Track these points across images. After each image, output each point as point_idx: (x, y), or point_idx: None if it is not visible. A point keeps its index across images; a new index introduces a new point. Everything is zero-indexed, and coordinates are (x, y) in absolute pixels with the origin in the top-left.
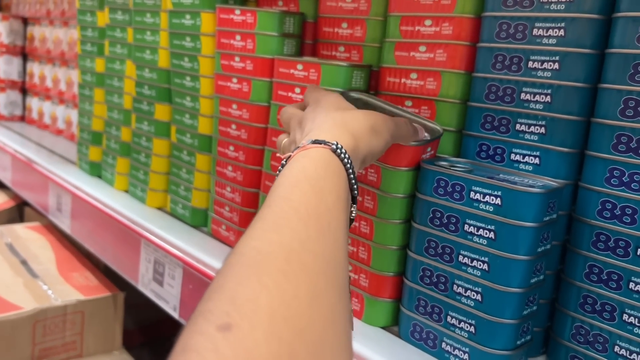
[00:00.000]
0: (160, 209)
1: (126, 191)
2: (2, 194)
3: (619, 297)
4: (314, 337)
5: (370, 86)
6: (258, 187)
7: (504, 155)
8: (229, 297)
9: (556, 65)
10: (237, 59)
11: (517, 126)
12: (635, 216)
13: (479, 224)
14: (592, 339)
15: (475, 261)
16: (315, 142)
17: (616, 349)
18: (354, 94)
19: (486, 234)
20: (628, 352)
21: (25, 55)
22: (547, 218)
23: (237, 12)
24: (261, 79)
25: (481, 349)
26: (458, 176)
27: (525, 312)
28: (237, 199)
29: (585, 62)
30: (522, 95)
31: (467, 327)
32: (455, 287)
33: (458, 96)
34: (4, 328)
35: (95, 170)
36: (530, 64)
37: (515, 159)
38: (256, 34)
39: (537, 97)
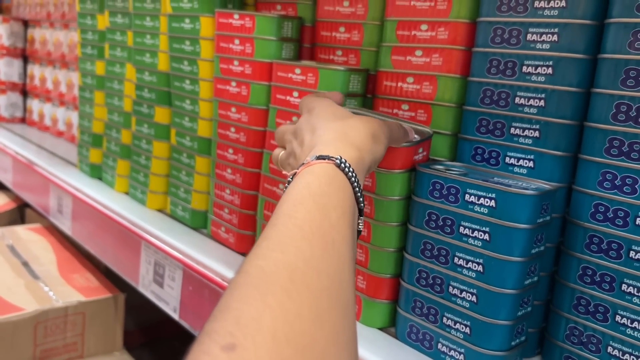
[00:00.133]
0: (160, 211)
1: (126, 193)
2: (3, 195)
3: (611, 298)
4: (316, 355)
5: (367, 90)
6: (257, 190)
7: (499, 158)
8: (233, 317)
9: (550, 70)
10: (236, 62)
11: (512, 130)
12: (627, 219)
13: (473, 226)
14: (585, 340)
15: (470, 263)
16: (319, 157)
17: (609, 349)
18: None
19: (481, 235)
20: (621, 352)
21: (25, 57)
22: (541, 220)
23: (236, 16)
24: (260, 82)
25: (476, 349)
26: (453, 179)
27: (519, 313)
28: (236, 201)
29: (578, 67)
30: (517, 100)
31: (462, 328)
32: (450, 288)
33: (454, 100)
34: (5, 329)
35: (96, 172)
36: (524, 68)
37: (510, 162)
38: (255, 38)
39: (531, 102)
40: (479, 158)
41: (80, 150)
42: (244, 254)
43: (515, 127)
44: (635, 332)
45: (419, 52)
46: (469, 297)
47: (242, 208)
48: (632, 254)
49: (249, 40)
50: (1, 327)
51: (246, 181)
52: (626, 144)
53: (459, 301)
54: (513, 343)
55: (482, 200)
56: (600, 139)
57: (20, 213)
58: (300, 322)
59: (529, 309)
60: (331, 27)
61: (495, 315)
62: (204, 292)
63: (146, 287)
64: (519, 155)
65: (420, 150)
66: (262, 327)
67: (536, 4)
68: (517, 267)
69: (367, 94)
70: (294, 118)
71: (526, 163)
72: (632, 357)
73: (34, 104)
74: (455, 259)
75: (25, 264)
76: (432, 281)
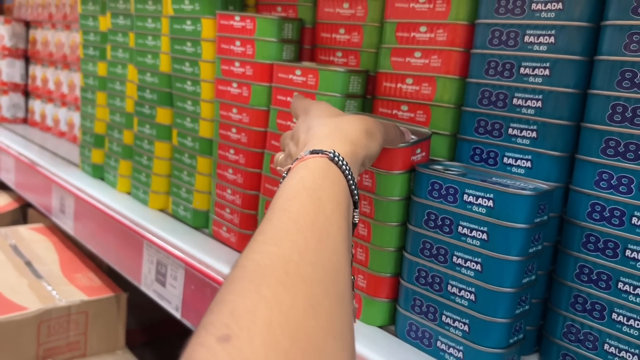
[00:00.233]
0: (162, 210)
1: (128, 193)
2: (5, 195)
3: (608, 296)
4: (311, 345)
5: (367, 91)
6: (258, 190)
7: (497, 158)
8: (228, 309)
9: (547, 72)
10: (237, 64)
11: (510, 130)
12: (623, 218)
13: (472, 226)
14: (582, 338)
15: (468, 262)
16: (313, 152)
17: (606, 346)
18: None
19: (479, 235)
20: (617, 349)
21: (27, 58)
22: (538, 220)
23: (237, 18)
24: (261, 83)
25: (475, 347)
26: (452, 179)
27: (517, 312)
28: (238, 201)
29: (575, 69)
30: (514, 101)
31: (461, 326)
32: (449, 287)
33: (452, 101)
34: (9, 328)
35: (98, 172)
36: (521, 70)
37: (508, 162)
38: (256, 39)
39: (529, 102)
40: (477, 158)
41: (82, 150)
42: None
43: (513, 128)
44: (632, 330)
45: (418, 54)
46: (467, 295)
47: (243, 208)
48: (628, 252)
49: (249, 42)
50: (5, 326)
51: (247, 181)
52: (622, 144)
53: (458, 299)
54: (511, 341)
55: (480, 200)
56: (596, 139)
57: (23, 213)
58: (295, 312)
59: (527, 307)
60: (331, 29)
61: (494, 313)
62: (205, 291)
63: (148, 286)
64: (516, 155)
65: (418, 151)
66: (257, 318)
67: (533, 6)
68: (515, 266)
69: (366, 95)
70: (295, 119)
71: (524, 163)
72: (628, 354)
73: (36, 105)
74: (454, 258)
75: (28, 264)
76: (431, 280)
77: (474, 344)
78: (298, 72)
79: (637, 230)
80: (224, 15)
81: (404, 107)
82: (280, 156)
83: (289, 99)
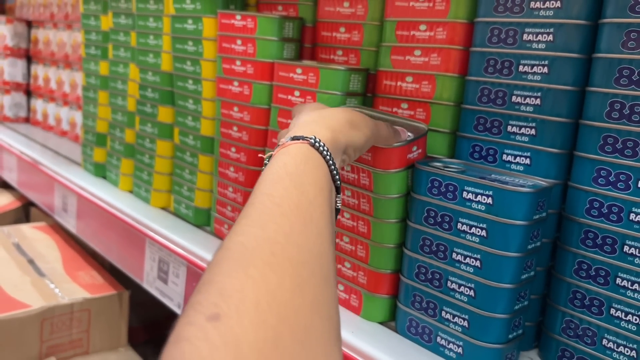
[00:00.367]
0: (164, 209)
1: (130, 192)
2: (8, 194)
3: (606, 292)
4: (299, 323)
5: (367, 89)
6: None
7: (496, 156)
8: (217, 289)
9: (545, 69)
10: (238, 62)
11: (509, 128)
12: (621, 214)
13: (471, 223)
14: (581, 333)
15: (468, 258)
16: (294, 138)
17: (604, 342)
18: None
19: (478, 232)
20: (615, 344)
21: (29, 57)
22: (537, 216)
23: (238, 17)
24: (262, 82)
25: (474, 342)
26: (451, 177)
27: (516, 307)
28: (239, 199)
29: (573, 66)
30: (513, 98)
31: (460, 322)
32: (449, 283)
33: (452, 99)
34: (12, 326)
35: (100, 171)
36: (520, 67)
37: (507, 159)
38: (256, 38)
39: (528, 100)
40: (476, 155)
41: (84, 149)
42: None
43: (512, 125)
44: (630, 325)
45: (417, 52)
46: (467, 291)
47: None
48: (626, 248)
49: (250, 41)
50: (8, 324)
51: (248, 179)
52: (620, 141)
53: (457, 295)
54: (510, 336)
55: (479, 197)
56: (594, 136)
57: (25, 212)
58: (282, 292)
59: (526, 303)
60: (332, 28)
61: (493, 309)
62: None
63: (150, 284)
64: (515, 152)
65: (415, 148)
66: (246, 297)
67: (532, 4)
68: (514, 262)
69: (367, 93)
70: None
71: (523, 160)
72: (626, 349)
73: (38, 104)
74: (454, 255)
75: (31, 262)
76: (431, 276)
77: (473, 339)
78: (299, 70)
79: (635, 226)
80: (225, 14)
81: (404, 105)
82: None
83: (289, 97)
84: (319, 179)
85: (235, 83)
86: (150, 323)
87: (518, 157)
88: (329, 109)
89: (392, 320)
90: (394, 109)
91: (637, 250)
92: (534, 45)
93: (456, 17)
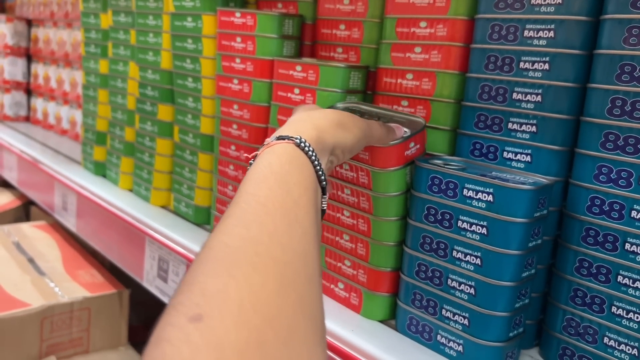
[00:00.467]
0: (163, 207)
1: (130, 190)
2: (8, 193)
3: (607, 290)
4: (282, 324)
5: (367, 87)
6: None
7: (497, 153)
8: (199, 289)
9: (546, 66)
10: (237, 60)
11: (510, 125)
12: (622, 211)
13: (471, 220)
14: (582, 331)
15: (468, 256)
16: (280, 137)
17: (605, 340)
18: (341, 105)
19: (479, 229)
20: (617, 343)
21: (29, 56)
22: (538, 214)
23: (238, 14)
24: (261, 80)
25: (475, 340)
26: (451, 174)
27: (517, 305)
28: None
29: (574, 63)
30: (514, 95)
31: (461, 320)
32: (449, 281)
33: (452, 96)
34: (12, 325)
35: (100, 169)
36: (521, 64)
37: (508, 156)
38: (256, 36)
39: (529, 97)
40: (477, 153)
41: (84, 148)
42: None
43: (513, 122)
44: (631, 323)
45: (418, 49)
46: (467, 289)
47: None
48: (627, 246)
49: (250, 38)
50: (8, 323)
51: None
52: (621, 138)
53: (458, 293)
54: (511, 334)
55: (480, 195)
56: (596, 133)
57: (26, 210)
58: (266, 292)
59: (527, 301)
60: (332, 25)
61: (493, 307)
62: None
63: (150, 283)
64: (516, 149)
65: (412, 144)
66: (228, 298)
67: (533, 0)
68: (514, 260)
69: (367, 91)
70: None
71: (523, 157)
72: (627, 347)
73: (38, 103)
74: (454, 252)
75: (31, 261)
76: (431, 274)
77: (474, 337)
78: (298, 68)
79: (636, 223)
80: (224, 12)
81: (405, 103)
82: None
83: (289, 94)
84: (304, 178)
85: (235, 81)
86: (151, 322)
87: (519, 155)
88: (319, 110)
89: (392, 318)
90: (394, 107)
91: (639, 247)
92: (535, 42)
93: (456, 14)
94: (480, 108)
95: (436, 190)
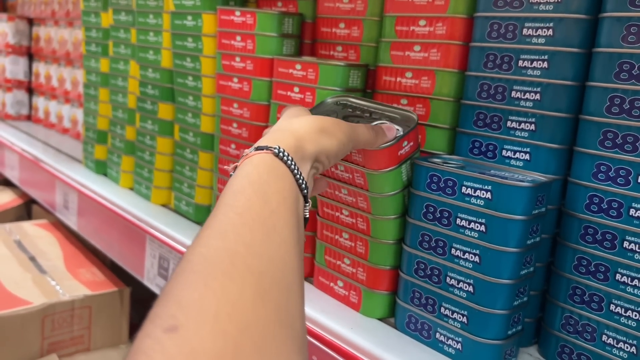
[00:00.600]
0: (164, 205)
1: (131, 189)
2: (10, 192)
3: (606, 288)
4: (260, 333)
5: (367, 85)
6: None
7: (496, 151)
8: (175, 301)
9: (545, 64)
10: (237, 59)
11: (508, 123)
12: (621, 210)
13: (470, 218)
14: (581, 329)
15: (467, 254)
16: (258, 148)
17: (604, 338)
18: (330, 100)
19: (477, 227)
20: (615, 340)
21: (31, 55)
22: (536, 211)
23: (238, 13)
24: (261, 78)
25: (473, 338)
26: (450, 172)
27: (515, 303)
28: None
29: (573, 61)
30: (513, 93)
31: (459, 318)
32: (448, 279)
33: (451, 94)
34: (14, 323)
35: (101, 168)
36: (520, 62)
37: (507, 155)
38: (256, 34)
39: (527, 95)
40: (476, 151)
41: (85, 146)
42: None
43: (512, 121)
44: (630, 321)
45: (417, 48)
46: (466, 287)
47: None
48: (625, 244)
49: (250, 37)
50: (10, 321)
51: None
52: (620, 136)
53: (456, 291)
54: (509, 332)
55: (478, 193)
56: (594, 131)
57: (27, 209)
58: (242, 302)
59: (525, 298)
60: (331, 23)
61: (492, 305)
62: None
63: (151, 281)
64: (515, 148)
65: (405, 143)
66: (204, 308)
67: None
68: (513, 257)
69: (366, 89)
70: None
71: (522, 156)
72: (626, 345)
73: (40, 102)
74: (453, 250)
75: (32, 259)
76: (430, 272)
77: (472, 335)
78: (298, 66)
79: (634, 221)
80: (224, 11)
81: (404, 101)
82: None
83: (289, 93)
84: (283, 188)
85: (235, 79)
86: None
87: (518, 153)
88: (301, 117)
89: (391, 316)
90: (394, 105)
91: (637, 245)
92: (534, 40)
93: (456, 12)
94: (479, 106)
95: (435, 188)
